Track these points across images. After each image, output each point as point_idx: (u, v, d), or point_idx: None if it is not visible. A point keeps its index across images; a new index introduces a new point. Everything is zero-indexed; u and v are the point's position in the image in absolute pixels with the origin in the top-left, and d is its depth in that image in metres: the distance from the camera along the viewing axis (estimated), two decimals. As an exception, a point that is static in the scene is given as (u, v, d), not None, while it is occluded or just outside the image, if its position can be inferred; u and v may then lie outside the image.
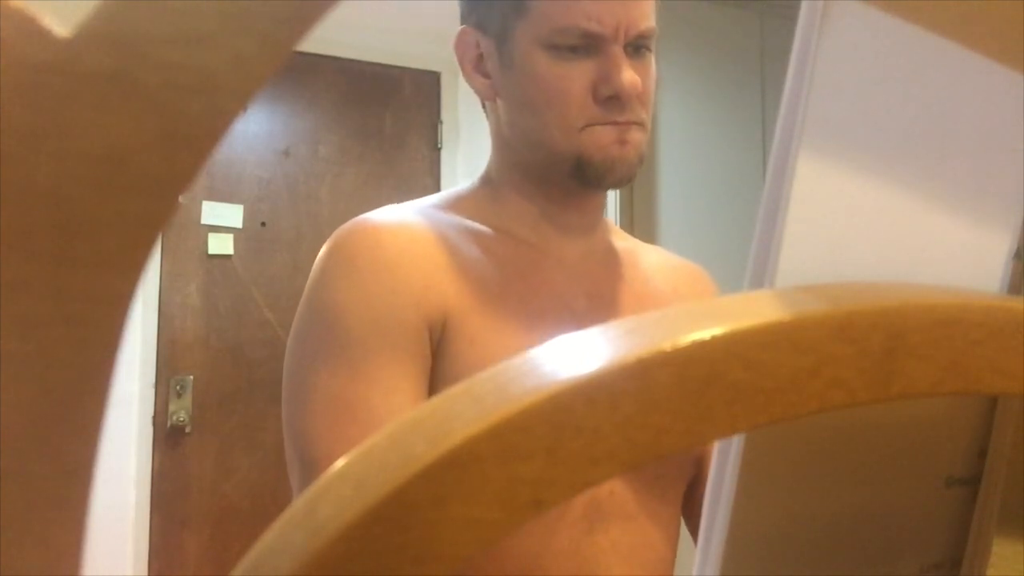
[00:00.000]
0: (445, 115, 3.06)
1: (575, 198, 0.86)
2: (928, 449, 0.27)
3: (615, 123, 0.79)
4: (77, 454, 0.16)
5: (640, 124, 0.81)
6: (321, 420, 0.73)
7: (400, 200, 0.86)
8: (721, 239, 2.18)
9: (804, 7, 0.22)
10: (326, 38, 2.77)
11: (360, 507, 0.16)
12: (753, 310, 0.18)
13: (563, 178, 0.82)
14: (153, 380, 2.67)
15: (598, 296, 0.85)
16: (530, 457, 0.16)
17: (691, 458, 0.86)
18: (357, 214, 0.82)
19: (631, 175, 0.83)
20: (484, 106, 0.88)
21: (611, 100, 0.78)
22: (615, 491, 0.80)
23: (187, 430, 2.69)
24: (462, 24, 0.86)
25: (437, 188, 3.01)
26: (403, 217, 0.82)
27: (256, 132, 2.86)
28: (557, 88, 0.78)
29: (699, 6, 2.55)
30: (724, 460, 0.24)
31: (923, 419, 0.27)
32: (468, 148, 3.00)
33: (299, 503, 0.17)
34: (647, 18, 0.80)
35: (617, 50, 0.78)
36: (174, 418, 2.66)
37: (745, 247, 0.25)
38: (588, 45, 0.78)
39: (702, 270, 0.98)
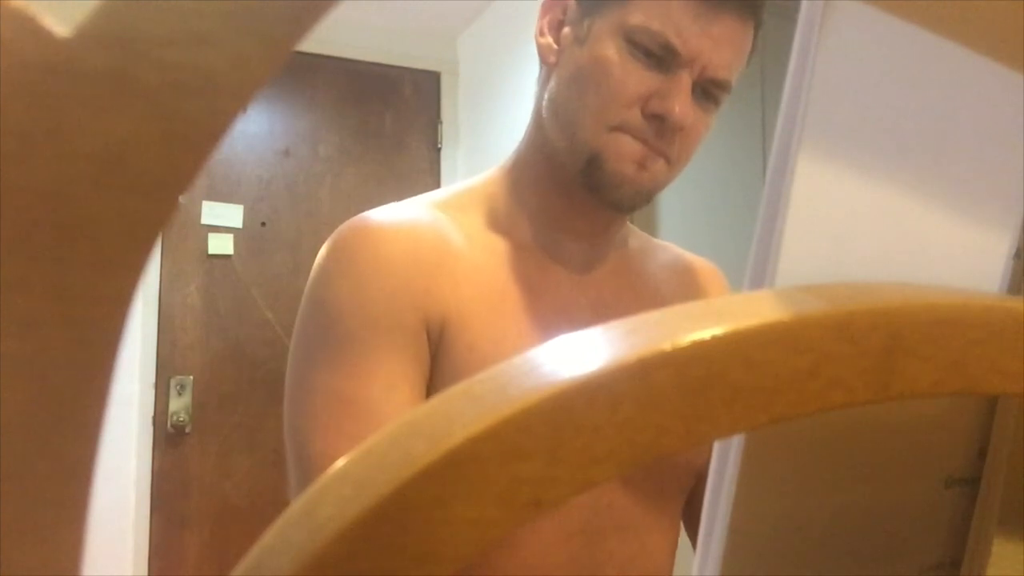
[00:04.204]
0: (445, 115, 3.06)
1: (585, 205, 0.83)
2: (928, 449, 0.27)
3: (645, 142, 0.76)
4: (77, 454, 0.16)
5: (669, 161, 0.78)
6: (320, 416, 0.73)
7: (400, 200, 0.85)
8: (721, 239, 2.18)
9: (804, 7, 0.22)
10: (326, 38, 2.77)
11: (360, 507, 0.16)
12: (753, 310, 0.18)
13: (573, 176, 0.80)
14: (153, 380, 2.67)
15: (603, 307, 0.84)
16: (530, 457, 0.16)
17: (691, 470, 0.85)
18: (357, 214, 0.81)
19: (636, 203, 0.80)
20: (539, 78, 0.85)
21: (655, 120, 0.76)
22: (613, 504, 0.80)
23: (187, 430, 2.69)
24: None
25: (437, 188, 2.99)
26: (405, 216, 0.80)
27: (256, 132, 2.86)
28: (612, 79, 0.76)
29: (699, 6, 2.53)
30: (724, 460, 0.24)
31: (923, 419, 0.27)
32: (468, 148, 3.00)
33: (299, 503, 0.17)
34: (729, 70, 0.77)
35: (686, 78, 0.75)
36: (174, 418, 2.66)
37: (745, 247, 0.25)
38: (663, 60, 0.75)
39: (715, 269, 0.96)
